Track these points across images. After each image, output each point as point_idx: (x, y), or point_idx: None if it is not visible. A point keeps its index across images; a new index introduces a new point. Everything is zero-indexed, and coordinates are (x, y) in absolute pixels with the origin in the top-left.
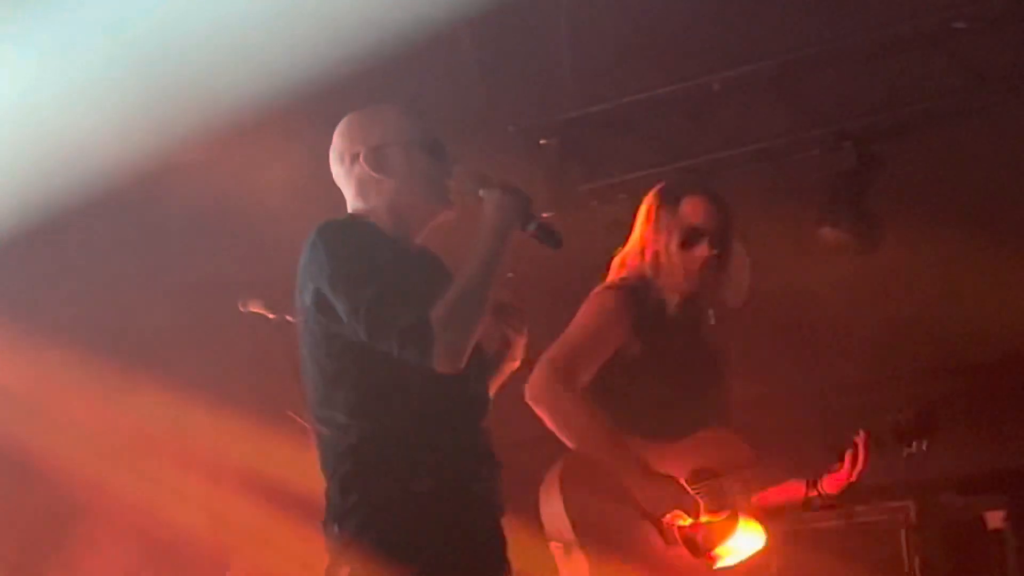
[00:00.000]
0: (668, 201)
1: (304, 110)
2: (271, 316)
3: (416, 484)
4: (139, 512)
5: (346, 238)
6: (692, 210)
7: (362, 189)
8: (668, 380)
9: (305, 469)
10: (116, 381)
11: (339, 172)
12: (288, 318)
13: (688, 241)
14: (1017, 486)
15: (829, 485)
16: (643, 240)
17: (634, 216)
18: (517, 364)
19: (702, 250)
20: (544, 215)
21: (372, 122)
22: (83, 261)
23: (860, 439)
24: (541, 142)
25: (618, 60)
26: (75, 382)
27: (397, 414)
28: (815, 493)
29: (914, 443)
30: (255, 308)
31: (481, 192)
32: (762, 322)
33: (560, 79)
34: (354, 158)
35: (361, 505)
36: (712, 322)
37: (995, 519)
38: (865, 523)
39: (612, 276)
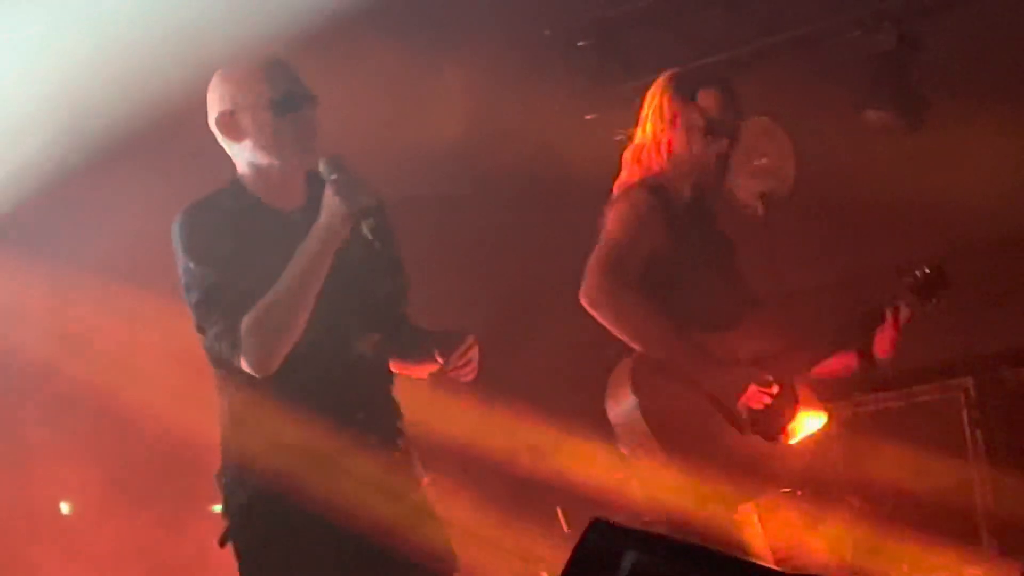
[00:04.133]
0: (683, 95)
1: (331, 36)
2: None
3: (282, 439)
4: (174, 427)
5: (193, 227)
6: (709, 103)
7: (230, 151)
8: (703, 272)
9: None
10: (156, 312)
11: (216, 136)
12: None
13: (707, 135)
14: None
15: (879, 349)
16: (658, 135)
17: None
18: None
19: (720, 144)
20: (589, 116)
21: (222, 86)
22: (119, 199)
23: (896, 307)
24: (579, 44)
25: None
26: (117, 313)
27: (262, 382)
28: (868, 360)
29: (933, 299)
30: None
31: (321, 170)
32: (810, 207)
33: None
34: (214, 125)
35: (233, 461)
36: (761, 212)
37: None
38: (925, 402)
39: (628, 173)
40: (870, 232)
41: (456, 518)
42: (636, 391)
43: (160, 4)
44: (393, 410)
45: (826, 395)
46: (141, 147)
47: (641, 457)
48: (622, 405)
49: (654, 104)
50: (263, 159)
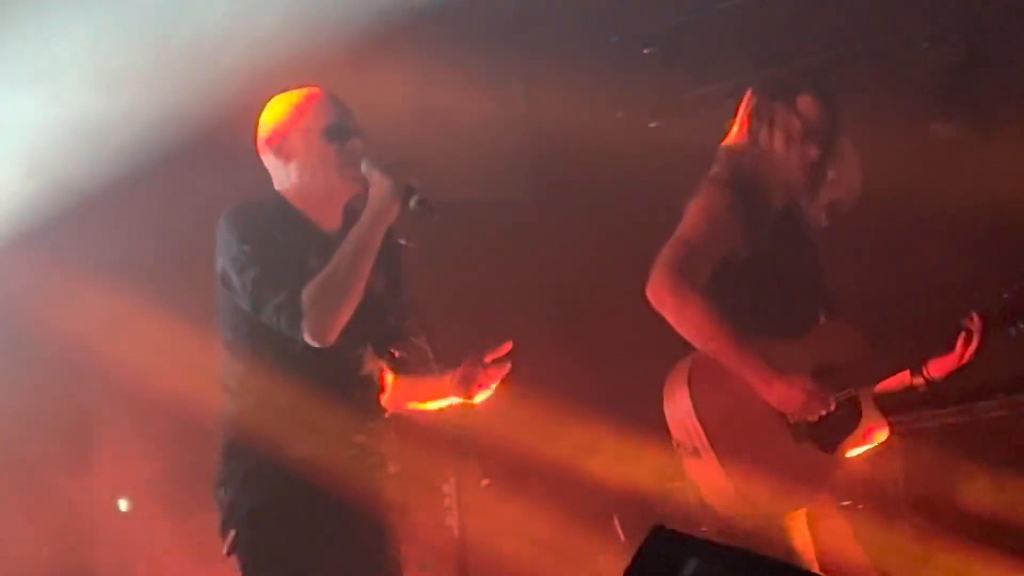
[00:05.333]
0: (783, 98)
1: (412, 37)
2: None
3: (290, 450)
4: None
5: (244, 221)
6: (808, 110)
7: (275, 172)
8: (778, 279)
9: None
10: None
11: (262, 155)
12: (400, 241)
13: (803, 141)
14: None
15: (935, 369)
16: (753, 135)
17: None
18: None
19: (813, 151)
20: (652, 124)
21: (279, 111)
22: (163, 207)
23: (974, 322)
24: (645, 51)
25: None
26: (175, 311)
27: (280, 385)
28: (920, 379)
29: (1020, 321)
30: None
31: (364, 168)
32: (877, 218)
33: None
34: (264, 144)
35: (239, 471)
36: (825, 224)
37: None
38: (989, 418)
39: (720, 166)
40: (940, 246)
41: (516, 525)
42: (692, 391)
43: (204, 16)
44: (390, 432)
45: (889, 409)
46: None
47: (693, 457)
48: (678, 403)
49: (753, 102)
50: (307, 180)
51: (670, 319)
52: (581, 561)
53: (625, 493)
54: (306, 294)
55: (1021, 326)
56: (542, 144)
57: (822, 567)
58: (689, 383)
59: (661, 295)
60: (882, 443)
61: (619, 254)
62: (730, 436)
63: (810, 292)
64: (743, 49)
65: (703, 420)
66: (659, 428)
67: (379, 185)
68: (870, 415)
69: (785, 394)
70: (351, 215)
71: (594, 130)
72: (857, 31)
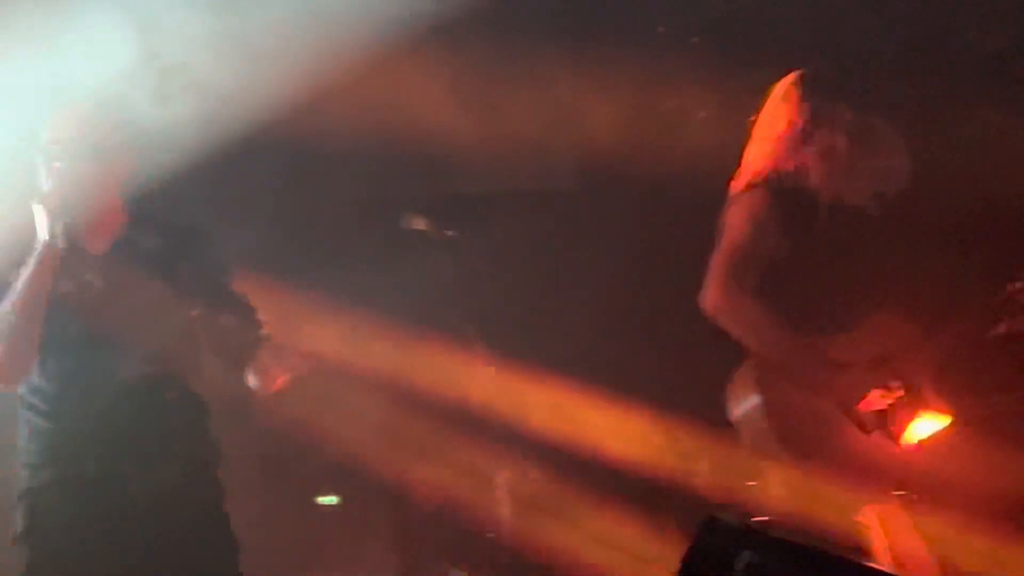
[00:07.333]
0: (831, 96)
1: (458, 27)
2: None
3: (38, 477)
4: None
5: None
6: (851, 112)
7: None
8: (823, 274)
9: (466, 383)
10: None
11: None
12: (448, 233)
13: (850, 137)
14: None
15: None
16: (800, 132)
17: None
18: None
19: (859, 147)
20: (702, 114)
21: None
22: (246, 194)
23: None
24: (693, 40)
25: None
26: None
27: (49, 415)
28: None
29: None
30: (418, 225)
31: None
32: (926, 207)
33: None
34: None
35: (16, 497)
36: (876, 213)
37: None
38: None
39: (756, 168)
40: (989, 233)
41: (573, 517)
42: (760, 391)
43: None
44: (172, 440)
45: (955, 394)
46: None
47: (762, 457)
48: (744, 404)
49: (799, 99)
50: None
51: (727, 329)
52: (631, 552)
53: (681, 487)
54: None
55: None
56: (588, 134)
57: (895, 564)
58: (757, 381)
59: (716, 307)
60: (946, 429)
61: (665, 245)
62: (799, 433)
63: (859, 285)
64: (789, 38)
65: (771, 417)
66: (713, 420)
67: (40, 222)
68: (932, 402)
69: (848, 387)
70: (120, 236)
71: (641, 120)
72: (904, 18)
